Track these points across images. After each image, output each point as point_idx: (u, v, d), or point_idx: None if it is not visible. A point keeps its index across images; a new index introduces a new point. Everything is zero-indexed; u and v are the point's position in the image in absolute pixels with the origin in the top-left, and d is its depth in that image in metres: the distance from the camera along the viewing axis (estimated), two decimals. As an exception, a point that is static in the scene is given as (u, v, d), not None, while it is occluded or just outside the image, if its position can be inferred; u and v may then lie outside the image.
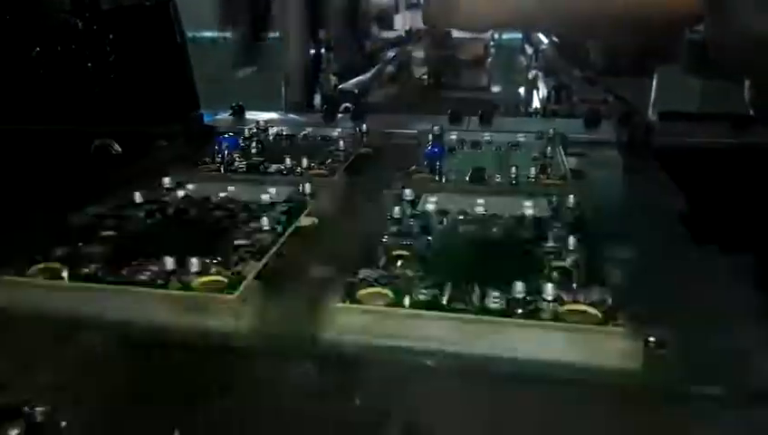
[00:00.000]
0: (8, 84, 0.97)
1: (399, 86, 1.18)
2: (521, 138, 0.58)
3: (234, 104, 0.74)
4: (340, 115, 0.71)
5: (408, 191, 0.44)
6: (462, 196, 0.44)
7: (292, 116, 0.76)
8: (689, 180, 0.50)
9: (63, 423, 0.24)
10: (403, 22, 1.76)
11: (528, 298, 0.30)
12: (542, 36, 1.37)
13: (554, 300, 0.30)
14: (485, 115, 0.67)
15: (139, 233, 0.39)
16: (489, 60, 1.47)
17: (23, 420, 0.23)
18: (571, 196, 0.42)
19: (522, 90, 1.32)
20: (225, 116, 0.73)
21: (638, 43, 1.28)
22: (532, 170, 0.48)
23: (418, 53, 1.39)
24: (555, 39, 1.33)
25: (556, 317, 0.29)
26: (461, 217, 0.40)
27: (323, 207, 0.44)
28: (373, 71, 1.14)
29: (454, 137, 0.59)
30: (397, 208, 0.41)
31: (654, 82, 1.42)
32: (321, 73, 1.21)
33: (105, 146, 0.77)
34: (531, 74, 1.32)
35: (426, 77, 1.36)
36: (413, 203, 0.43)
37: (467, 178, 0.48)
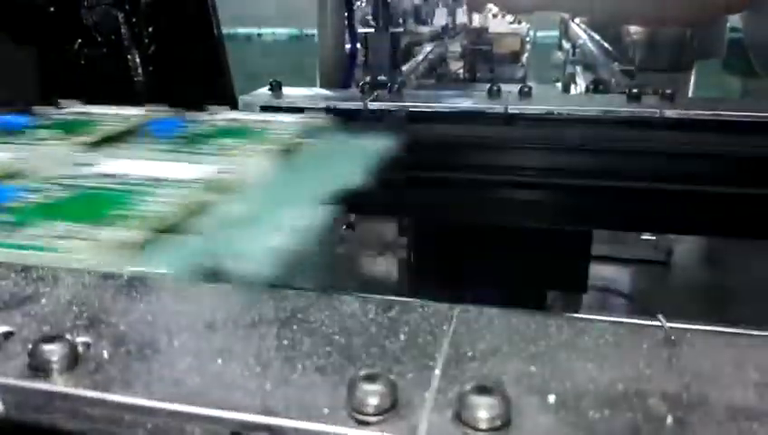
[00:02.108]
0: (54, 72, 1.00)
1: (435, 79, 1.18)
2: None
3: (272, 80, 0.74)
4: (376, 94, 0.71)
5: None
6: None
7: (329, 93, 0.76)
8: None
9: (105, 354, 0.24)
10: (441, 17, 1.77)
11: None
12: (579, 31, 1.37)
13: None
14: (525, 90, 0.66)
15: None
16: (526, 55, 1.46)
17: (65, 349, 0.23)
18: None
19: (558, 84, 1.31)
20: (263, 91, 0.73)
21: (677, 36, 1.27)
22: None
23: (455, 48, 1.39)
24: (594, 34, 1.32)
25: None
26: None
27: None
28: (410, 63, 1.14)
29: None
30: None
31: (692, 78, 1.40)
32: (355, 69, 1.22)
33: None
34: (568, 69, 1.31)
35: (462, 71, 1.36)
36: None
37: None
